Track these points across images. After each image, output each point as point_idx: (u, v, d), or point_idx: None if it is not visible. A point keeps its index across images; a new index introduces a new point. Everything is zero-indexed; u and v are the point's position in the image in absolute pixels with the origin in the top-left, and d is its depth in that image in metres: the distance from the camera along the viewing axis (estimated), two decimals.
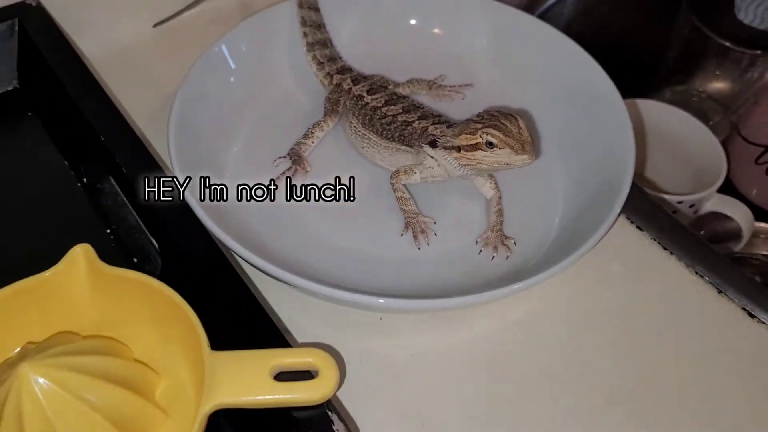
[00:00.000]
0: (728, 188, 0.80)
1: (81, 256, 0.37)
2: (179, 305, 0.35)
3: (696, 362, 0.41)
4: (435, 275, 0.44)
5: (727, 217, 0.68)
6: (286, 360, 0.34)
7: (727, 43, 0.69)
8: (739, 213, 0.66)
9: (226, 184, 0.45)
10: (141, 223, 0.43)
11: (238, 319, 0.36)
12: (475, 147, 0.41)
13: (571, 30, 0.71)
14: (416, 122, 0.46)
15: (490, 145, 0.41)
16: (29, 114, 0.51)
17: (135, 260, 0.43)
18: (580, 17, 0.74)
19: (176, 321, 0.36)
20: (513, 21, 0.54)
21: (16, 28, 0.51)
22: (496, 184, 0.46)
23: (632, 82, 0.80)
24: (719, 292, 0.44)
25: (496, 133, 0.40)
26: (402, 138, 0.46)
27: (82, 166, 0.47)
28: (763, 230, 0.79)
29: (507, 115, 0.41)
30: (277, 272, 0.38)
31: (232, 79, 0.51)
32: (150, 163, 0.43)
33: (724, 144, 0.81)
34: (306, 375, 0.34)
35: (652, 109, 0.70)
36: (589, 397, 0.39)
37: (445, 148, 0.43)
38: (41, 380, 0.31)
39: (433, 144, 0.44)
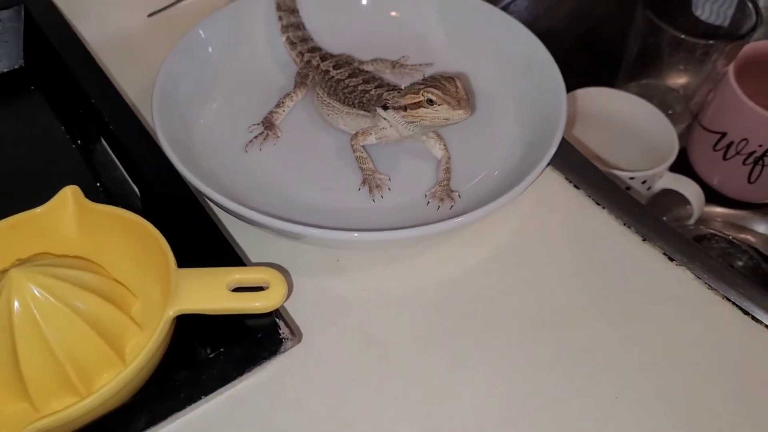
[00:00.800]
0: (690, 173, 0.85)
1: (69, 195, 0.43)
2: (152, 234, 0.41)
3: (615, 296, 0.46)
4: (388, 224, 0.49)
5: (680, 195, 0.73)
6: (240, 275, 0.39)
7: (681, 35, 0.74)
8: (688, 189, 0.71)
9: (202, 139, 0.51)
10: (127, 176, 0.49)
11: (203, 246, 0.42)
12: (418, 105, 0.47)
13: (536, 25, 0.77)
14: (373, 90, 0.52)
15: (431, 102, 0.46)
16: (32, 88, 0.57)
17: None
18: (548, 12, 0.80)
19: (150, 248, 0.41)
20: (466, 6, 0.60)
21: (23, 13, 0.57)
22: (444, 145, 0.52)
23: (600, 76, 0.86)
24: (644, 239, 0.49)
25: (436, 91, 0.46)
26: (361, 104, 0.52)
27: (78, 130, 0.53)
28: (720, 214, 0.84)
29: (447, 77, 0.47)
30: (239, 209, 0.44)
31: (212, 58, 0.57)
32: (137, 127, 0.48)
33: (686, 133, 0.86)
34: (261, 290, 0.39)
35: (610, 96, 0.76)
36: (519, 321, 0.44)
37: (394, 108, 0.49)
38: (30, 285, 0.36)
39: (385, 107, 0.49)
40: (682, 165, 0.85)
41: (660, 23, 0.74)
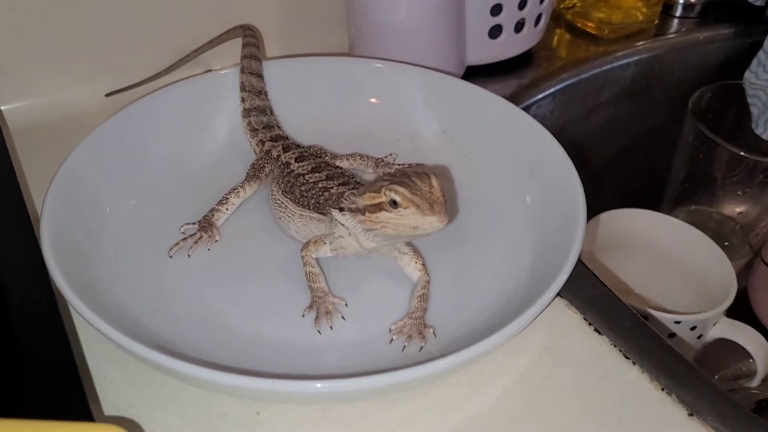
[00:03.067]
0: (751, 319, 0.70)
1: None
2: None
3: None
4: (333, 367, 0.36)
5: (739, 347, 0.58)
6: None
7: (741, 152, 0.62)
8: (752, 341, 0.56)
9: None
10: None
11: (46, 375, 0.29)
12: (379, 207, 0.35)
13: (564, 132, 0.66)
14: (335, 188, 0.40)
15: (394, 204, 0.34)
16: None
17: None
18: (579, 119, 0.69)
19: None
20: (468, 94, 0.49)
21: None
22: (423, 264, 0.39)
23: (642, 198, 0.73)
24: (690, 414, 0.35)
25: (401, 189, 0.34)
26: (317, 205, 0.40)
27: None
28: None
29: (419, 173, 0.35)
30: (111, 333, 0.31)
31: (147, 140, 0.47)
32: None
33: (746, 271, 0.72)
34: None
35: (653, 220, 0.63)
36: None
37: (350, 210, 0.37)
38: None
39: (341, 208, 0.38)
40: (740, 308, 0.70)
41: (714, 137, 0.62)
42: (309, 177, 0.42)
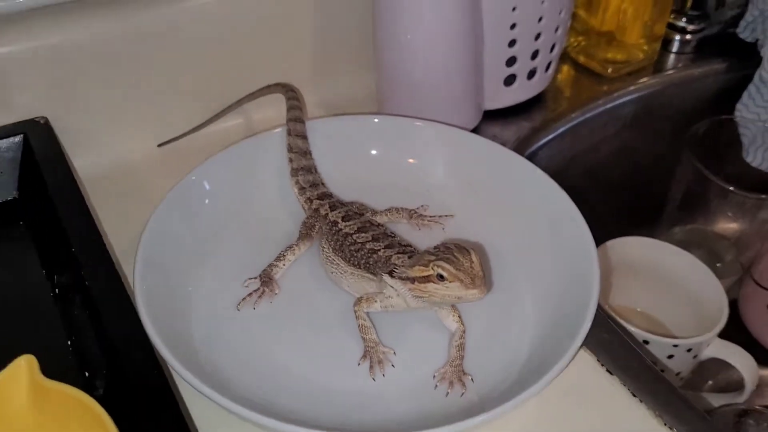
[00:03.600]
0: (742, 333, 0.77)
1: (24, 368, 0.38)
2: (104, 424, 0.35)
3: None
4: (388, 410, 0.42)
5: (730, 365, 0.65)
6: None
7: (730, 187, 0.68)
8: (740, 361, 0.63)
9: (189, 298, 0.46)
10: (97, 339, 0.43)
11: None
12: (427, 279, 0.41)
13: (573, 164, 0.72)
14: (382, 251, 0.46)
15: (441, 278, 0.40)
16: (21, 223, 0.53)
17: (86, 374, 0.43)
18: (587, 152, 0.75)
19: None
20: (491, 153, 0.55)
21: (22, 143, 0.54)
22: (459, 316, 0.46)
23: (644, 218, 0.80)
24: None
25: (447, 266, 0.40)
26: (367, 266, 0.46)
27: (57, 277, 0.49)
28: None
29: (461, 248, 0.41)
30: (219, 400, 0.38)
31: (208, 203, 0.52)
32: (115, 284, 0.44)
33: (737, 286, 0.79)
34: None
35: (651, 247, 0.69)
36: None
37: (401, 278, 0.43)
38: None
39: (392, 273, 0.44)
40: (734, 321, 0.77)
41: (707, 173, 0.68)
42: (356, 237, 0.48)
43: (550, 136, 0.68)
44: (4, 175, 0.54)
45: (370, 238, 0.48)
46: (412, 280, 0.42)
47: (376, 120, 0.58)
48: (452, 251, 0.41)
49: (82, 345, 0.44)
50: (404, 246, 0.47)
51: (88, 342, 0.44)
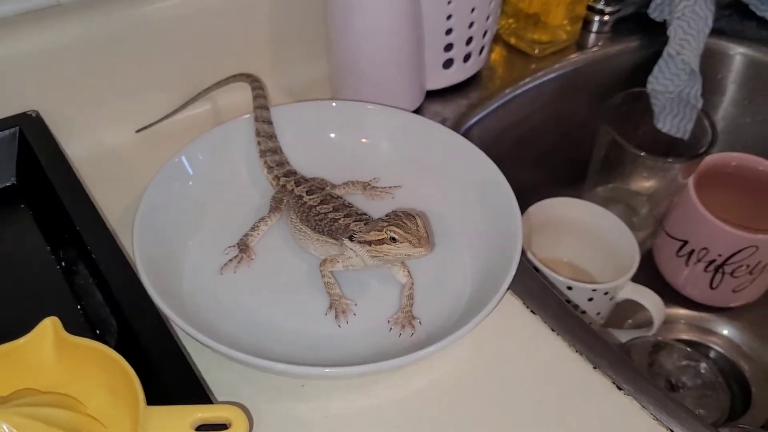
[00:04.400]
0: (658, 279, 0.88)
1: (49, 327, 0.46)
2: (125, 370, 0.43)
3: (564, 424, 0.49)
4: (352, 351, 0.52)
5: (642, 306, 0.76)
6: (204, 414, 0.42)
7: (641, 153, 0.79)
8: (648, 300, 0.74)
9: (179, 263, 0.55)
10: (104, 302, 0.51)
11: (172, 380, 0.44)
12: (381, 242, 0.50)
13: (508, 134, 0.82)
14: (342, 219, 0.55)
15: (393, 240, 0.50)
16: (22, 206, 0.60)
17: (97, 332, 0.51)
18: (520, 122, 0.84)
19: (123, 382, 0.43)
20: (431, 131, 0.64)
21: (17, 134, 0.61)
22: (408, 272, 0.55)
23: (572, 177, 0.90)
24: (594, 367, 0.52)
25: (398, 230, 0.49)
26: (330, 232, 0.55)
27: (61, 251, 0.56)
28: (684, 316, 0.87)
29: (408, 215, 0.50)
30: (212, 344, 0.46)
31: (191, 182, 0.60)
32: (116, 253, 0.52)
33: (652, 237, 0.90)
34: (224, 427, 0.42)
35: (573, 206, 0.79)
36: None
37: (360, 242, 0.52)
38: (4, 425, 0.39)
39: (351, 238, 0.53)
40: (649, 267, 0.89)
41: (621, 141, 0.79)
42: (320, 208, 0.57)
43: (485, 111, 0.77)
44: (3, 163, 0.61)
45: (331, 209, 0.56)
46: (369, 243, 0.51)
47: (333, 104, 0.67)
48: (401, 218, 0.50)
49: (91, 308, 0.52)
50: (360, 215, 0.56)
51: (96, 305, 0.52)
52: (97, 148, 0.67)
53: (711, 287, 0.84)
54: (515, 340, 0.54)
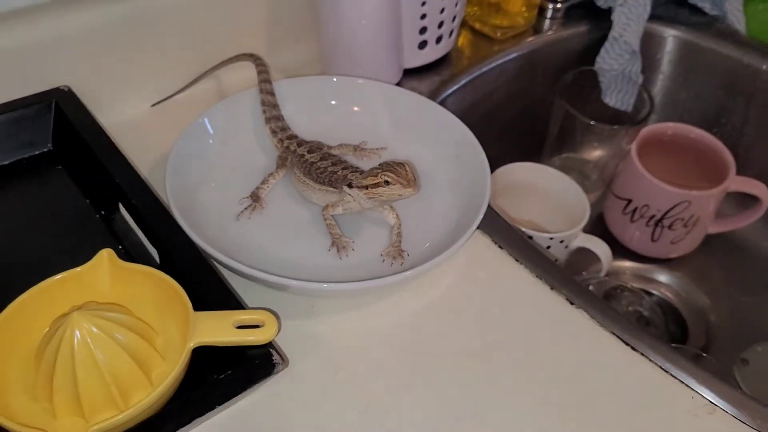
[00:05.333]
0: (607, 236, 1.00)
1: (105, 256, 0.55)
2: (172, 286, 0.53)
3: (527, 334, 0.60)
4: (352, 277, 0.62)
5: (593, 252, 0.88)
6: (243, 316, 0.52)
7: (591, 122, 0.91)
8: (598, 247, 0.86)
9: (205, 210, 0.65)
10: (143, 241, 0.61)
11: (211, 295, 0.54)
12: (377, 185, 0.61)
13: (477, 108, 0.93)
14: (340, 171, 0.66)
15: (387, 183, 0.60)
16: (59, 167, 0.70)
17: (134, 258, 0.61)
18: (486, 98, 0.96)
19: (170, 297, 0.53)
20: (411, 101, 0.75)
21: (53, 106, 0.70)
22: (396, 215, 0.66)
23: (533, 148, 1.02)
24: (551, 288, 0.64)
25: (391, 174, 0.60)
26: (330, 182, 0.66)
27: (100, 203, 0.66)
28: (629, 268, 0.99)
29: (398, 162, 0.61)
30: (236, 265, 0.57)
31: (210, 141, 0.71)
32: (152, 199, 0.62)
33: (602, 199, 1.02)
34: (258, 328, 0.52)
35: (534, 170, 0.91)
36: (450, 353, 0.58)
37: (358, 187, 0.62)
38: (86, 323, 0.49)
39: (350, 185, 0.63)
40: (600, 227, 1.02)
41: (574, 112, 0.91)
42: (320, 164, 0.67)
43: (456, 87, 0.88)
44: (41, 131, 0.70)
45: (330, 164, 0.67)
46: (366, 187, 0.62)
47: (334, 79, 0.77)
48: (392, 165, 0.61)
49: (132, 247, 0.62)
50: (354, 168, 0.66)
51: (135, 244, 0.62)
52: (117, 119, 0.76)
53: (652, 240, 0.97)
54: (486, 270, 0.65)
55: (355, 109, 0.77)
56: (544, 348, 0.59)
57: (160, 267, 0.59)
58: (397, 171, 0.61)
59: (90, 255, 0.55)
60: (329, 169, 0.66)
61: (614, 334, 0.60)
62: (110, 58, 0.76)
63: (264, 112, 0.73)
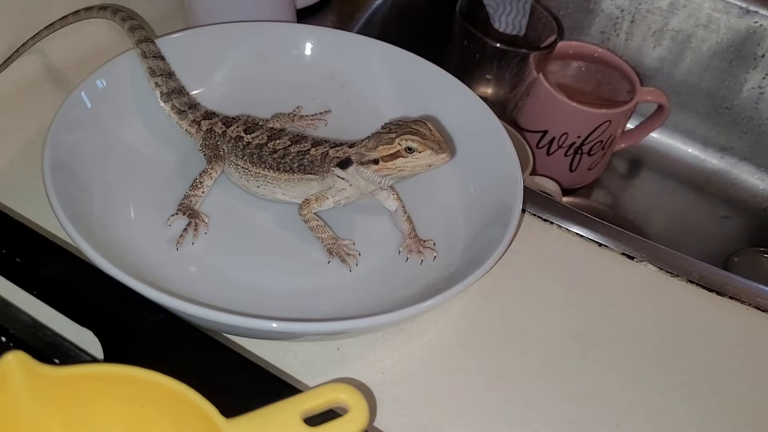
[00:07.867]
0: None
1: (13, 364, 0.31)
2: (169, 387, 0.31)
3: None
4: (370, 293, 0.43)
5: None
6: (313, 402, 0.31)
7: (497, 44, 0.79)
8: (548, 186, 0.76)
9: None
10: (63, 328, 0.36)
11: (233, 381, 0.33)
12: (395, 156, 0.42)
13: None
14: (312, 150, 0.46)
15: (410, 150, 0.42)
16: None
17: (56, 361, 0.36)
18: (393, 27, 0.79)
19: (171, 410, 0.31)
20: (348, 42, 0.56)
21: None
22: (397, 195, 0.47)
23: None
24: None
25: (414, 137, 0.42)
26: (302, 167, 0.45)
27: None
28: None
29: (415, 120, 0.43)
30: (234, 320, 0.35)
31: (94, 141, 0.46)
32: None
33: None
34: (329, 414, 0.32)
35: None
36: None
37: (362, 163, 0.43)
38: None
39: (344, 165, 0.44)
40: None
41: (479, 34, 0.78)
42: (273, 145, 0.46)
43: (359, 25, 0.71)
44: None
45: (289, 142, 0.46)
46: (376, 161, 0.43)
47: (257, 26, 0.55)
48: (409, 125, 0.43)
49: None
50: (327, 141, 0.46)
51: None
52: None
53: (570, 170, 0.89)
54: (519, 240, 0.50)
55: (285, 64, 0.55)
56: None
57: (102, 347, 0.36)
58: (420, 132, 0.42)
59: None
60: (292, 149, 0.46)
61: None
62: None
63: (157, 85, 0.49)
